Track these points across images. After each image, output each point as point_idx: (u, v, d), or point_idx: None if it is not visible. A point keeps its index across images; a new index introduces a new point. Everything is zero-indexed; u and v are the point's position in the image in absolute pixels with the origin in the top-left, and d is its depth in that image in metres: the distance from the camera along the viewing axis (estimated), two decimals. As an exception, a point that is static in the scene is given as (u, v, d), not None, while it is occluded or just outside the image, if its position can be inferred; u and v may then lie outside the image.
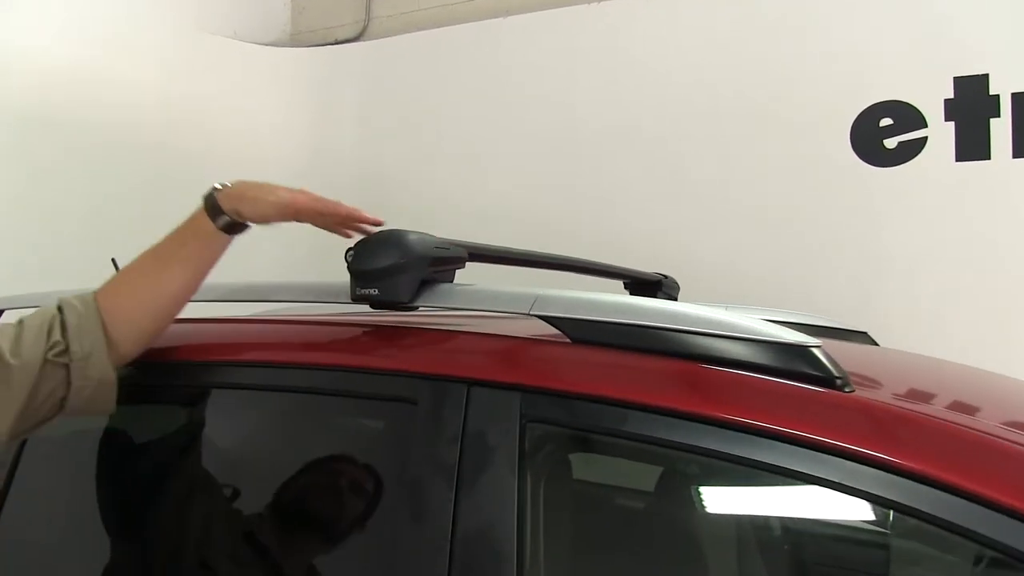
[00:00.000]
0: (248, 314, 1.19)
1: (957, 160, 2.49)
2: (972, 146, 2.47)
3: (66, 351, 0.98)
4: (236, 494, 1.04)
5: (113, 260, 1.32)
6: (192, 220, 1.07)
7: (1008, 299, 2.36)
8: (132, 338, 1.03)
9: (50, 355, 0.97)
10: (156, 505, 1.07)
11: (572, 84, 3.03)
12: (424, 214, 3.14)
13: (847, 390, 0.80)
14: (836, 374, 0.80)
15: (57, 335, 0.98)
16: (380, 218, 1.09)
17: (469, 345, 0.97)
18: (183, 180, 2.94)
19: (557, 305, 0.93)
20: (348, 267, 1.02)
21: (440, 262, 1.05)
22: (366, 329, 1.04)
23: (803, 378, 0.80)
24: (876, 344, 1.67)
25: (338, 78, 3.54)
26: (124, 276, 1.06)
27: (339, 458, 1.00)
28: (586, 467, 0.90)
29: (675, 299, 1.74)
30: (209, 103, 3.23)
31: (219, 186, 1.07)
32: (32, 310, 1.02)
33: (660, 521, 0.85)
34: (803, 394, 0.79)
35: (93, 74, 2.85)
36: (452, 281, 1.09)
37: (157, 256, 1.06)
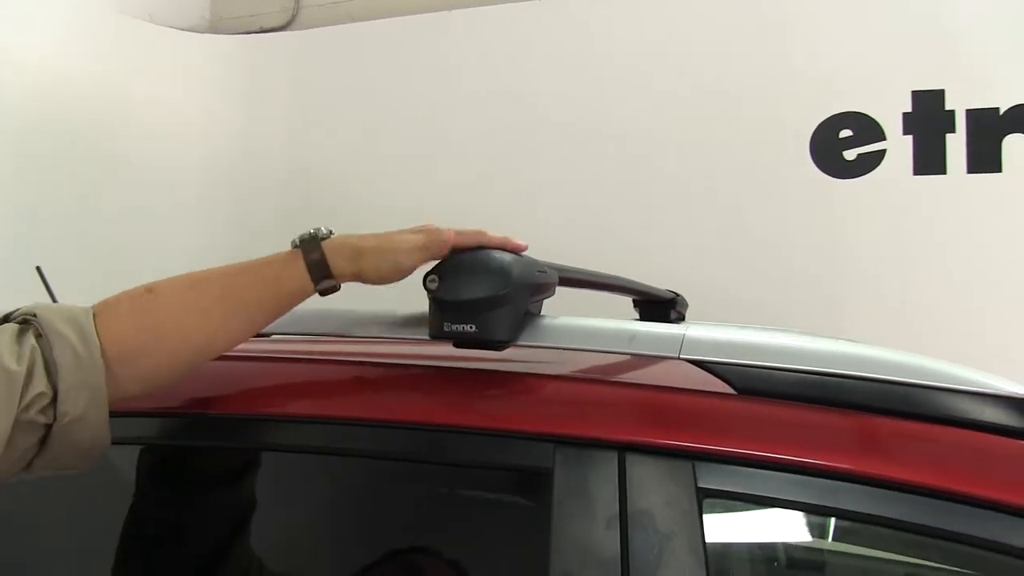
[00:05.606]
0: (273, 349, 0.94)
1: (915, 173, 2.51)
2: (929, 160, 2.51)
3: (51, 405, 0.68)
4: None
5: (38, 268, 1.11)
6: (278, 268, 0.79)
7: (964, 305, 2.38)
8: (139, 378, 0.74)
9: (29, 414, 0.67)
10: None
11: (516, 79, 2.88)
12: (358, 214, 2.91)
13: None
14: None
15: (41, 383, 0.68)
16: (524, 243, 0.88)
17: (611, 397, 0.78)
18: (96, 171, 2.64)
19: (712, 348, 0.76)
20: (432, 296, 0.81)
21: (538, 290, 0.86)
22: (460, 375, 0.83)
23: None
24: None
25: (266, 69, 3.27)
26: (147, 302, 0.77)
27: (433, 552, 0.77)
28: (790, 556, 0.73)
29: (684, 317, 1.62)
30: (125, 90, 2.90)
31: (322, 232, 0.81)
32: None
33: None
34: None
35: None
36: (540, 312, 0.90)
37: (203, 290, 0.77)
